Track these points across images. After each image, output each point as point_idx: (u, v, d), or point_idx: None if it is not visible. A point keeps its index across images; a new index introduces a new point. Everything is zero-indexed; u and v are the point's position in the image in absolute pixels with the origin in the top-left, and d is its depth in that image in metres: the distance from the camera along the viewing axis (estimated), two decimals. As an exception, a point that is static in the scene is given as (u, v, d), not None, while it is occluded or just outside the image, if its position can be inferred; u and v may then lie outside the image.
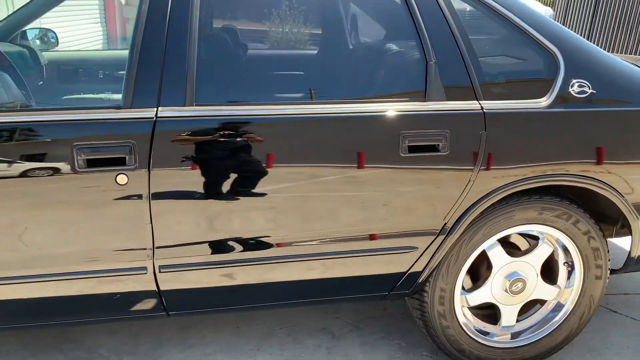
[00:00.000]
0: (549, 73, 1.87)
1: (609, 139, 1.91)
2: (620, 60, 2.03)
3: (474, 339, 2.10)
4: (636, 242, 2.07)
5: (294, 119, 1.71)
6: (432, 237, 1.88)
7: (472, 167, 1.81)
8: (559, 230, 2.00)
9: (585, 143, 1.89)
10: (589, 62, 1.91)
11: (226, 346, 2.27)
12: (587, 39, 7.09)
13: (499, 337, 2.16)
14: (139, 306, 1.79)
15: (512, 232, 1.99)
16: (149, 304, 1.79)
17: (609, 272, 2.12)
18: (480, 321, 2.16)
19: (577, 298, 2.13)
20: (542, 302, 2.19)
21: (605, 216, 2.13)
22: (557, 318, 2.16)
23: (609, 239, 2.19)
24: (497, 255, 2.03)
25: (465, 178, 1.82)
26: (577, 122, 1.88)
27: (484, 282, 2.08)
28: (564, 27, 1.98)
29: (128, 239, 1.68)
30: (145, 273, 1.72)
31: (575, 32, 9.48)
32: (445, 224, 1.87)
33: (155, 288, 1.75)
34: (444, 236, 1.88)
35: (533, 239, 2.10)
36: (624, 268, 2.15)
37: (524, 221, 1.96)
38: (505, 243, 2.13)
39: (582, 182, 1.90)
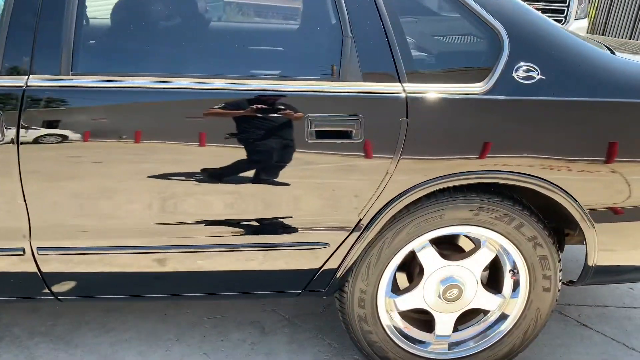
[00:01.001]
0: (491, 54, 1.63)
1: (559, 133, 1.66)
2: (586, 44, 1.75)
3: (401, 347, 1.90)
4: (591, 251, 1.81)
5: (185, 94, 1.53)
6: (346, 234, 1.68)
7: (391, 158, 1.60)
8: (500, 234, 1.77)
9: (529, 137, 1.65)
10: (541, 42, 1.65)
11: (146, 334, 2.14)
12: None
13: (435, 346, 1.96)
14: (21, 288, 1.68)
15: (444, 233, 1.78)
16: (32, 286, 1.67)
17: (560, 284, 1.88)
18: (415, 328, 1.96)
19: (522, 310, 1.90)
20: (486, 312, 1.97)
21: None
22: (499, 330, 1.94)
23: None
24: (429, 258, 1.82)
25: (382, 170, 1.61)
26: (519, 113, 1.63)
27: (415, 285, 1.87)
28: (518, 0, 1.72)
29: (3, 217, 1.56)
30: (23, 254, 1.59)
31: (617, 36, 8.91)
32: (361, 220, 1.67)
33: (35, 270, 1.63)
34: (358, 233, 1.68)
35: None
36: (581, 279, 1.90)
37: (457, 222, 1.74)
38: (453, 245, 1.92)
39: (522, 181, 1.66)
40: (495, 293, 1.92)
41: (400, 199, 1.64)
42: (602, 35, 11.29)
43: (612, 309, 2.54)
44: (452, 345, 1.97)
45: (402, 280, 1.96)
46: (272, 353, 2.09)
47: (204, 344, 2.11)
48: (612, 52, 1.85)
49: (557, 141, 1.65)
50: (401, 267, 1.92)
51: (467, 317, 2.00)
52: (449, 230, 1.77)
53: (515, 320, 1.91)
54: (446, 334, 1.94)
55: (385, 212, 1.65)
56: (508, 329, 1.92)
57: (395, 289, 1.92)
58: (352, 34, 1.55)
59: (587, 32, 10.64)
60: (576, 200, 1.72)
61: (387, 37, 1.56)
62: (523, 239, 1.77)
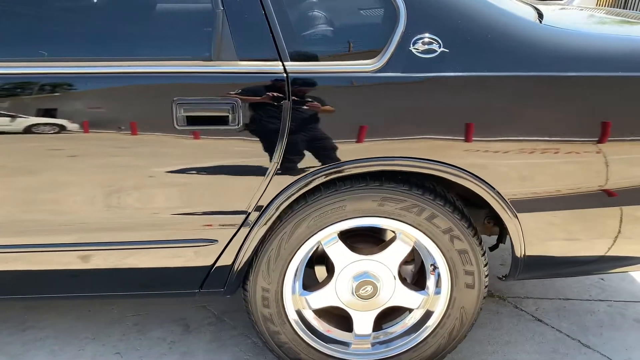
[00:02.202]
0: (386, 27, 1.45)
1: (467, 113, 1.48)
2: (503, 12, 1.54)
3: (314, 349, 1.76)
4: (516, 243, 1.63)
5: (36, 78, 1.40)
6: (234, 230, 1.54)
7: (275, 146, 1.45)
8: (412, 226, 1.61)
9: (430, 118, 1.47)
10: (445, 11, 1.46)
11: (63, 332, 2.05)
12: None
13: (356, 346, 1.81)
14: None
15: (350, 225, 1.62)
16: None
17: (486, 280, 1.71)
18: (333, 327, 1.82)
19: (445, 308, 1.73)
20: (411, 310, 1.81)
21: None
22: (423, 330, 1.78)
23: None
24: (337, 253, 1.67)
25: (265, 159, 1.46)
26: (419, 91, 1.45)
27: (327, 282, 1.73)
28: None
29: None
30: None
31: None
32: (249, 214, 1.53)
33: None
34: (248, 228, 1.54)
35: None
36: (512, 273, 1.72)
37: (361, 213, 1.58)
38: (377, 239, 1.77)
39: (423, 167, 1.49)
40: (418, 290, 1.76)
41: (290, 189, 1.49)
42: (624, 7, 10.73)
43: (574, 302, 2.34)
44: (377, 345, 1.83)
45: (324, 276, 1.82)
46: (189, 352, 1.97)
47: (120, 342, 2.01)
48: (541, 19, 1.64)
49: (465, 122, 1.47)
50: (321, 262, 1.79)
51: (395, 314, 1.85)
52: (355, 223, 1.61)
53: (439, 319, 1.74)
54: (366, 334, 1.79)
55: (275, 205, 1.51)
56: (432, 329, 1.76)
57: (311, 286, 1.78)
58: (223, 7, 1.39)
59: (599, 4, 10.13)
60: (493, 188, 1.54)
61: (264, 11, 1.40)
62: (437, 231, 1.60)
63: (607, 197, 1.59)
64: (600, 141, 1.49)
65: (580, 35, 1.57)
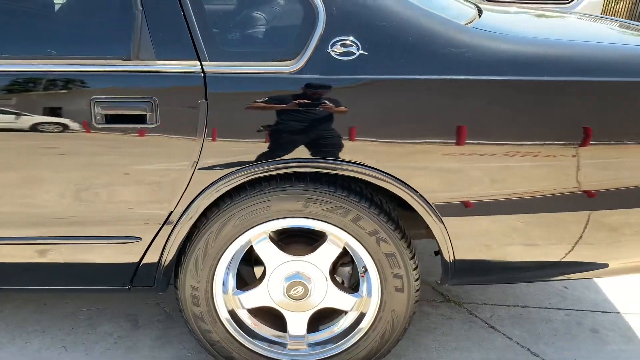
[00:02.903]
0: (305, 29, 1.45)
1: (389, 115, 1.47)
2: (430, 14, 1.53)
3: (247, 348, 1.77)
4: (443, 247, 1.62)
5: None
6: (157, 227, 1.56)
7: (194, 145, 1.46)
8: (338, 228, 1.61)
9: (353, 119, 1.47)
10: (366, 13, 1.46)
11: (14, 325, 2.10)
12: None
13: (292, 347, 1.82)
14: None
15: (281, 225, 1.63)
16: None
17: (416, 283, 1.69)
18: (268, 327, 1.83)
19: (376, 311, 1.72)
20: (346, 312, 1.81)
21: None
22: (356, 332, 1.77)
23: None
24: (268, 252, 1.68)
25: (185, 158, 1.48)
26: (335, 92, 1.45)
27: (260, 282, 1.74)
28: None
29: None
30: None
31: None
32: (171, 212, 1.54)
33: None
34: (171, 227, 1.56)
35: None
36: (444, 278, 1.71)
37: (287, 214, 1.59)
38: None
39: (346, 170, 1.49)
40: (351, 292, 1.76)
41: (210, 189, 1.51)
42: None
43: (532, 310, 2.30)
44: (314, 346, 1.83)
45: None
46: (134, 348, 2.00)
47: (68, 336, 2.05)
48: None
49: (383, 123, 1.47)
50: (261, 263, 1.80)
51: (334, 316, 1.85)
52: (285, 223, 1.62)
53: (371, 323, 1.74)
54: (300, 334, 1.79)
55: (196, 204, 1.52)
56: (364, 332, 1.75)
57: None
58: (142, 7, 1.42)
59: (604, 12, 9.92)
60: (416, 191, 1.53)
61: (183, 11, 1.42)
62: (364, 233, 1.60)
63: (537, 203, 1.57)
64: (520, 145, 1.48)
65: (507, 39, 1.55)
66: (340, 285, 1.76)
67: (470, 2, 1.97)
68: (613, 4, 11.75)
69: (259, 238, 1.66)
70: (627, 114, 1.50)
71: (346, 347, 1.77)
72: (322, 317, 1.84)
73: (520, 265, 1.70)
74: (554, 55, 1.51)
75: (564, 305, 2.34)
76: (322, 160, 1.48)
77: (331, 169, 1.49)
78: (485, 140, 1.49)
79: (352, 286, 1.84)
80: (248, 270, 1.85)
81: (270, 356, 1.79)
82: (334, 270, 1.80)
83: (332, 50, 1.44)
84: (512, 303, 2.35)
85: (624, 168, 1.54)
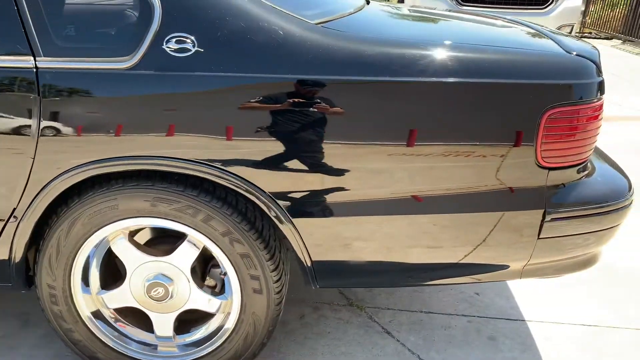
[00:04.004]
0: (142, 25, 1.43)
1: (226, 112, 1.44)
2: (273, 9, 1.49)
3: (113, 348, 1.75)
4: (297, 248, 1.59)
5: None
6: (2, 223, 1.55)
7: (29, 141, 1.45)
8: (192, 228, 1.58)
9: (188, 117, 1.44)
10: (204, 10, 1.44)
11: None
12: None
13: (163, 348, 1.79)
14: None
15: (132, 224, 1.60)
16: None
17: (275, 285, 1.66)
18: (135, 327, 1.80)
19: (238, 314, 1.70)
20: (214, 314, 1.78)
21: None
22: (220, 335, 1.75)
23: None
24: (125, 252, 1.66)
25: (21, 155, 1.46)
26: (170, 89, 1.43)
27: (122, 282, 1.72)
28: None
29: None
30: None
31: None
32: (15, 209, 1.53)
33: None
34: (15, 223, 1.55)
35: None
36: (306, 280, 1.67)
37: (136, 213, 1.56)
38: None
39: (186, 169, 1.47)
40: (217, 294, 1.73)
41: (49, 186, 1.49)
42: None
43: (435, 316, 2.26)
44: (185, 347, 1.80)
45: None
46: (15, 348, 1.99)
47: (-48, 334, 2.05)
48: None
49: (224, 121, 1.44)
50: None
51: (206, 319, 1.82)
52: (139, 222, 1.60)
53: (234, 325, 1.71)
54: (167, 335, 1.77)
55: (38, 200, 1.51)
56: (228, 334, 1.73)
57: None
58: None
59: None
60: (264, 191, 1.50)
61: (17, 6, 1.41)
62: (217, 234, 1.57)
63: (392, 205, 1.54)
64: (358, 146, 1.45)
65: (352, 38, 1.51)
66: (205, 287, 1.73)
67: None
68: (609, 10, 11.65)
69: (116, 237, 1.65)
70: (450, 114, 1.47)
71: (212, 349, 1.75)
72: (200, 319, 1.82)
73: (380, 268, 1.65)
74: (395, 56, 1.47)
75: (469, 312, 2.29)
76: (162, 158, 1.45)
77: (173, 167, 1.46)
78: (330, 140, 1.46)
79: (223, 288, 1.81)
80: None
81: (135, 357, 1.76)
82: (204, 272, 1.77)
83: (167, 47, 1.42)
84: (417, 309, 2.30)
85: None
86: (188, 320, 1.81)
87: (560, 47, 1.65)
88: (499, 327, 2.21)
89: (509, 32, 1.93)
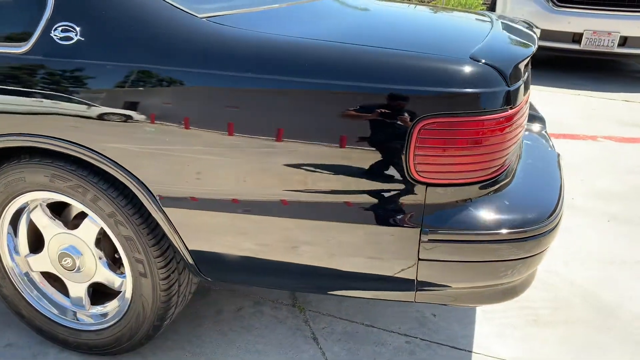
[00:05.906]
0: (36, 12, 1.55)
1: (106, 99, 1.51)
2: (166, 5, 1.53)
3: (34, 307, 1.93)
4: (170, 236, 1.62)
5: None
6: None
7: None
8: (84, 205, 1.69)
9: (66, 99, 1.53)
10: (91, 2, 1.52)
11: None
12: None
13: (81, 316, 1.93)
14: None
15: (43, 196, 1.74)
16: None
17: (162, 271, 1.70)
18: (55, 290, 1.96)
19: (132, 293, 1.77)
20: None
21: None
22: (121, 310, 1.84)
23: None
24: (41, 222, 1.82)
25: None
26: (57, 74, 1.53)
27: (44, 248, 1.88)
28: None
29: None
30: None
31: None
32: None
33: None
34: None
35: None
36: (192, 272, 1.70)
37: (40, 187, 1.70)
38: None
39: (64, 148, 1.57)
40: (118, 273, 1.83)
41: None
42: None
43: (374, 330, 2.15)
44: (98, 317, 1.92)
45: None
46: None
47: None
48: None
49: (97, 107, 1.51)
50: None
51: (118, 295, 1.92)
52: (43, 195, 1.73)
53: (129, 304, 1.79)
54: (81, 305, 1.90)
55: None
56: (124, 312, 1.81)
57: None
58: None
59: None
60: (136, 177, 1.56)
61: None
62: (103, 214, 1.66)
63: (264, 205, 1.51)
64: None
65: (235, 34, 1.49)
66: (110, 264, 1.83)
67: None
68: None
69: (33, 206, 1.81)
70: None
71: (113, 322, 1.85)
72: (115, 294, 1.92)
73: (260, 266, 1.62)
74: (265, 52, 1.43)
75: (414, 332, 2.14)
76: (43, 137, 1.57)
77: (50, 145, 1.57)
78: (204, 128, 1.46)
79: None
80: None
81: (51, 317, 1.92)
82: (115, 250, 1.86)
83: (55, 35, 1.53)
84: (359, 320, 2.21)
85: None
86: (107, 293, 1.94)
87: (476, 51, 1.47)
88: (438, 353, 2.04)
89: (427, 30, 1.79)
